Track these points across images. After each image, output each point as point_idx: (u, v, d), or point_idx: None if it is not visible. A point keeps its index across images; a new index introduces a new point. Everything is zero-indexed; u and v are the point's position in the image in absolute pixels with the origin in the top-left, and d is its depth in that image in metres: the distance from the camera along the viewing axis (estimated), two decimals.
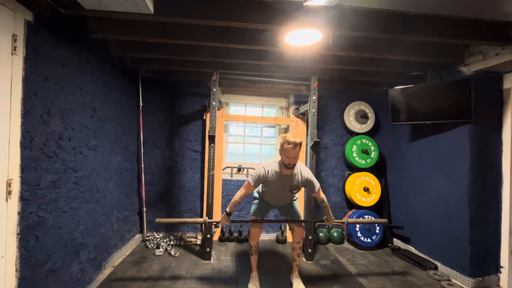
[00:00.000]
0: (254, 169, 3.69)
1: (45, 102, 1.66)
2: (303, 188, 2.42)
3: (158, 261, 2.72)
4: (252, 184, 2.06)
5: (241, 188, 2.12)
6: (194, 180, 3.47)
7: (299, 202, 2.64)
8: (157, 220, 2.24)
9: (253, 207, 2.37)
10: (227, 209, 2.14)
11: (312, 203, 2.87)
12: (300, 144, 1.92)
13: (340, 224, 2.29)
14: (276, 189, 2.14)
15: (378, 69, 2.90)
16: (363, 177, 3.42)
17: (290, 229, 2.35)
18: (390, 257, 3.04)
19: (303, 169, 2.09)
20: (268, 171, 2.04)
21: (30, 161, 1.56)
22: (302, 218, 2.32)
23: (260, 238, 2.42)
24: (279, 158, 2.05)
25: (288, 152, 1.89)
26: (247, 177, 3.59)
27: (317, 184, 2.09)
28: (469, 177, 2.42)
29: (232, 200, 2.13)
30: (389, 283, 2.45)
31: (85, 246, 2.15)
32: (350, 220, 2.36)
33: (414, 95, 2.84)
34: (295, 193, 2.19)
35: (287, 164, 1.96)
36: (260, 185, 2.29)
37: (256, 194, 2.38)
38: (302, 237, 2.30)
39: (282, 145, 1.94)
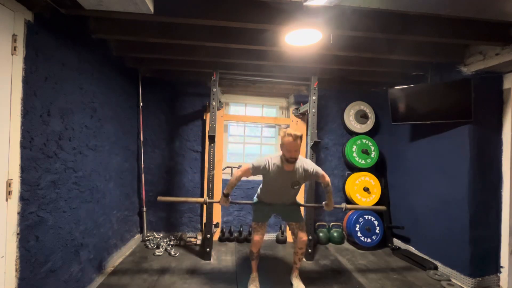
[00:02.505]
0: None
1: (45, 102, 1.66)
2: (303, 186, 2.40)
3: (158, 261, 2.72)
4: (251, 170, 2.07)
5: (239, 170, 2.12)
6: (194, 180, 3.47)
7: (299, 198, 2.62)
8: (159, 198, 2.30)
9: (253, 214, 2.33)
10: (224, 191, 2.15)
11: (312, 197, 2.87)
12: (301, 137, 1.93)
13: (341, 208, 2.32)
14: (276, 184, 2.13)
15: (378, 69, 2.90)
16: (363, 177, 3.42)
17: (292, 233, 2.31)
18: (390, 257, 3.04)
19: (305, 163, 2.09)
20: (271, 164, 2.04)
21: (30, 161, 1.56)
22: (304, 224, 2.30)
23: None
24: (281, 153, 2.05)
25: (289, 145, 1.91)
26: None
27: (320, 171, 2.11)
28: (469, 177, 2.42)
29: (229, 182, 2.15)
30: (389, 283, 2.45)
31: (85, 246, 2.14)
32: (349, 206, 2.38)
33: (414, 95, 2.84)
34: (297, 188, 2.18)
35: (288, 158, 1.96)
36: (259, 187, 2.29)
37: (255, 199, 2.37)
38: (305, 244, 2.26)
39: (282, 139, 1.96)
